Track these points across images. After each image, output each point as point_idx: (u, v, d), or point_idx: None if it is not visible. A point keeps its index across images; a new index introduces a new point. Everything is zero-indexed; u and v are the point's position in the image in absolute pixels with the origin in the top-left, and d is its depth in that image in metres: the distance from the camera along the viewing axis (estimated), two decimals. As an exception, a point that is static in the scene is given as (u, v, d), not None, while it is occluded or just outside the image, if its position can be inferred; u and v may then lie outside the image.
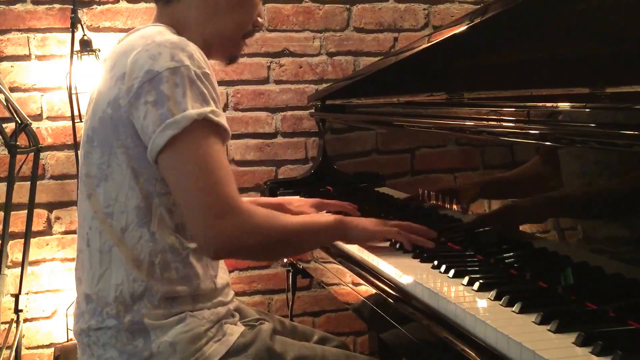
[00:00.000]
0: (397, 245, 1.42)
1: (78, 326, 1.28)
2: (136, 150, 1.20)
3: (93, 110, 1.27)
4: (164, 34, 1.24)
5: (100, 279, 1.24)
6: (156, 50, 1.18)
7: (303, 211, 1.67)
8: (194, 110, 1.15)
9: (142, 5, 2.39)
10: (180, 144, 1.15)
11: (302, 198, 1.71)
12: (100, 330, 1.24)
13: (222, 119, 1.20)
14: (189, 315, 1.24)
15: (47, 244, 2.37)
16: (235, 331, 1.30)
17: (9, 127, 2.21)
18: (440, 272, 1.23)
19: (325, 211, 1.70)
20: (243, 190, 2.51)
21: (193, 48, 1.21)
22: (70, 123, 2.28)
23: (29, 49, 2.32)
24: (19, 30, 2.30)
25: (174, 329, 1.22)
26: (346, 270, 1.42)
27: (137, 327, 1.22)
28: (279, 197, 1.74)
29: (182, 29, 1.31)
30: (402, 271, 1.24)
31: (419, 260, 1.31)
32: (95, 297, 1.24)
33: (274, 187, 2.26)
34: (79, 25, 2.24)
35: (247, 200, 1.67)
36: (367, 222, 1.42)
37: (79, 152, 1.30)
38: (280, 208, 1.64)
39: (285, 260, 2.09)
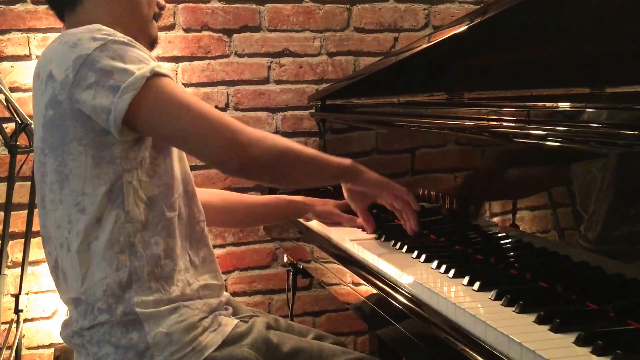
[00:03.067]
0: (397, 245, 1.42)
1: (69, 330, 1.28)
2: (90, 136, 1.21)
3: (35, 121, 1.29)
4: (75, 28, 1.26)
5: (84, 279, 1.24)
6: (74, 38, 1.21)
7: (328, 210, 1.68)
8: (142, 70, 1.18)
9: (142, 5, 2.38)
10: (149, 101, 1.18)
11: (325, 199, 1.71)
12: (93, 328, 1.23)
13: (167, 70, 1.24)
14: (182, 306, 1.25)
15: (47, 244, 2.37)
16: (230, 322, 1.32)
17: (9, 127, 2.21)
18: (440, 272, 1.23)
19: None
20: (243, 190, 2.51)
21: (108, 29, 1.23)
22: (70, 123, 2.27)
23: (29, 49, 2.32)
24: (19, 30, 2.30)
25: (168, 319, 1.23)
26: (346, 270, 1.42)
27: (130, 318, 1.22)
28: (302, 197, 1.74)
29: None
30: (402, 271, 1.24)
31: (419, 260, 1.31)
32: (84, 297, 1.24)
33: (274, 187, 2.25)
34: (79, 25, 2.24)
35: (268, 198, 1.75)
36: (375, 175, 1.48)
37: (34, 170, 1.31)
38: (304, 207, 1.68)
39: (285, 260, 2.09)
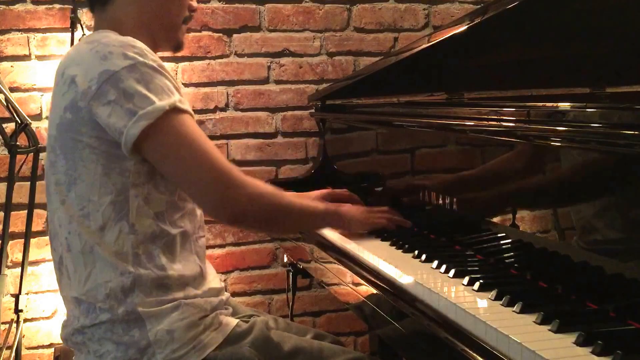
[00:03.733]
0: (397, 245, 1.42)
1: (70, 329, 1.28)
2: (103, 147, 1.21)
3: (51, 120, 1.30)
4: (108, 36, 1.26)
5: (87, 280, 1.24)
6: (106, 50, 1.20)
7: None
8: (162, 102, 1.18)
9: (142, 5, 2.38)
10: (160, 134, 1.18)
11: (314, 192, 1.71)
12: (95, 326, 1.24)
13: (188, 106, 1.25)
14: (183, 304, 1.25)
15: (47, 244, 2.35)
16: (230, 322, 1.32)
17: (9, 127, 2.21)
18: (440, 272, 1.23)
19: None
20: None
21: (141, 44, 1.24)
22: (70, 123, 2.28)
23: (29, 49, 2.32)
24: (19, 30, 2.30)
25: (170, 317, 1.23)
26: (346, 270, 1.42)
27: (132, 317, 1.23)
28: (293, 193, 1.75)
29: (124, 29, 1.33)
30: (403, 271, 1.24)
31: (419, 260, 1.31)
32: (85, 297, 1.25)
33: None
34: (78, 25, 2.24)
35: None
36: (357, 213, 1.51)
37: (44, 163, 1.32)
38: None
39: (285, 260, 2.08)
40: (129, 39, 1.24)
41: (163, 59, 1.41)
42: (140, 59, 1.20)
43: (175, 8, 1.39)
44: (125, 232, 1.23)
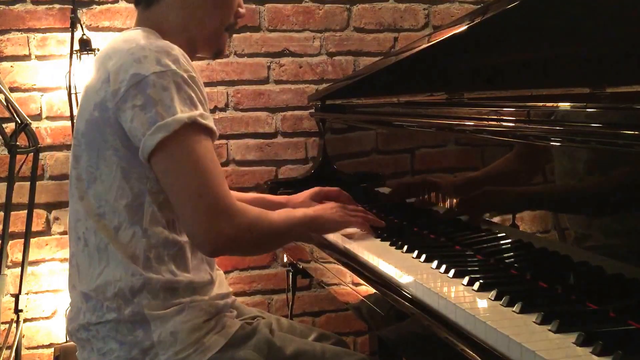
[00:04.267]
0: (397, 245, 1.42)
1: (76, 324, 1.28)
2: (125, 151, 1.21)
3: (80, 113, 1.29)
4: (148, 38, 1.25)
5: (99, 276, 1.25)
6: (141, 53, 1.19)
7: (305, 206, 1.64)
8: (183, 114, 1.17)
9: (142, 5, 2.38)
10: (172, 147, 1.17)
11: (302, 193, 1.71)
12: (100, 324, 1.25)
13: (210, 121, 1.22)
14: (188, 306, 1.26)
15: (47, 244, 2.37)
16: (234, 324, 1.32)
17: (9, 127, 2.21)
18: (440, 272, 1.22)
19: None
20: (243, 190, 2.51)
21: (178, 52, 1.22)
22: (69, 123, 2.28)
23: (29, 49, 2.32)
24: (19, 30, 2.30)
25: (174, 319, 1.24)
26: (346, 270, 1.42)
27: (138, 318, 1.23)
28: (282, 196, 1.75)
29: (165, 30, 1.32)
30: (402, 271, 1.24)
31: (419, 260, 1.31)
32: (94, 294, 1.25)
33: (274, 187, 2.26)
34: (78, 25, 2.24)
35: (254, 196, 1.72)
36: (331, 213, 1.47)
37: (70, 155, 1.31)
38: (285, 206, 1.64)
39: (285, 260, 2.08)
40: (167, 45, 1.22)
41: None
42: (173, 66, 1.19)
43: (221, 17, 1.38)
44: (139, 236, 1.24)
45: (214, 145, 1.25)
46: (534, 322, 0.95)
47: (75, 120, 1.31)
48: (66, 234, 2.35)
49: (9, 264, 2.30)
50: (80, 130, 1.27)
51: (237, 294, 2.48)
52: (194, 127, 1.18)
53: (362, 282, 1.33)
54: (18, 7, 2.30)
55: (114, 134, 1.21)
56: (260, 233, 1.26)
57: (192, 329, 1.25)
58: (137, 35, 1.26)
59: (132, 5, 2.35)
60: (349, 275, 1.40)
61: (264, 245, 1.37)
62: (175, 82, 1.18)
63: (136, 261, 1.24)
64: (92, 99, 1.24)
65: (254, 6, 2.48)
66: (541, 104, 1.27)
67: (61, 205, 2.36)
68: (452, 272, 1.19)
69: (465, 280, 1.14)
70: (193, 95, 1.20)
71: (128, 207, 1.23)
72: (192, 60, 1.39)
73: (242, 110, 2.51)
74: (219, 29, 1.39)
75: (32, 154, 2.21)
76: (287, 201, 1.68)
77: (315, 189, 1.72)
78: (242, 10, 1.41)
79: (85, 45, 2.22)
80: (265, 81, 2.52)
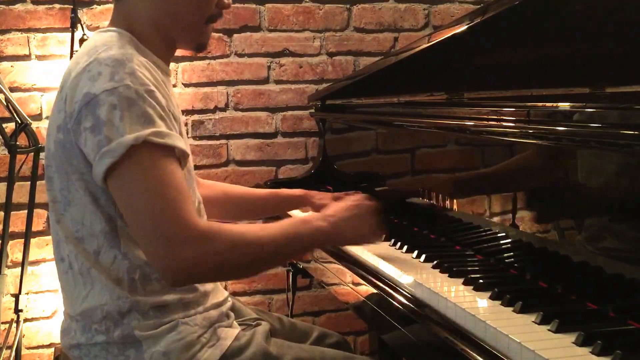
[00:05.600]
0: (397, 245, 1.42)
1: (67, 341, 1.26)
2: (90, 175, 1.14)
3: (48, 131, 1.22)
4: (110, 48, 1.16)
5: (84, 301, 1.20)
6: (97, 69, 1.12)
7: (326, 203, 1.53)
8: (131, 134, 1.08)
9: (142, 5, 2.38)
10: (121, 172, 1.09)
11: (324, 192, 1.66)
12: (90, 345, 1.21)
13: (171, 138, 1.12)
14: (180, 323, 1.21)
15: (47, 244, 2.37)
16: (229, 335, 1.27)
17: (9, 127, 2.21)
18: (440, 272, 1.23)
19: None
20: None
21: (137, 63, 1.14)
22: (70, 123, 2.28)
23: (29, 49, 2.32)
24: (19, 30, 2.30)
25: (166, 337, 1.19)
26: (346, 270, 1.42)
27: (128, 340, 1.19)
28: (300, 190, 1.69)
29: (137, 27, 1.25)
30: (402, 271, 1.24)
31: (419, 260, 1.31)
32: (80, 317, 1.21)
33: (274, 187, 2.25)
34: (79, 25, 2.24)
35: (268, 192, 1.68)
36: (348, 226, 1.29)
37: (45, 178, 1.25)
38: (302, 200, 1.63)
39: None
40: (127, 56, 1.14)
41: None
42: (126, 81, 1.10)
43: (195, 7, 1.27)
44: (119, 259, 1.18)
45: (182, 159, 1.16)
46: (534, 321, 0.95)
47: (46, 137, 1.24)
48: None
49: (9, 263, 2.30)
50: (51, 152, 1.20)
51: (237, 294, 2.48)
52: (145, 147, 1.09)
53: (362, 282, 1.33)
54: (18, 7, 2.30)
55: (77, 158, 1.15)
56: (235, 256, 1.14)
57: (186, 346, 1.19)
58: (101, 44, 1.18)
59: (132, 5, 2.36)
60: (349, 275, 1.40)
61: (244, 269, 1.22)
62: (127, 98, 1.09)
63: (121, 284, 1.18)
64: (55, 119, 1.18)
65: (254, 6, 2.48)
66: (541, 104, 1.27)
67: (61, 205, 2.36)
68: (452, 271, 1.19)
69: (465, 280, 1.14)
70: (149, 110, 1.11)
71: (103, 232, 1.17)
72: (172, 56, 1.32)
73: (242, 110, 2.51)
74: (198, 20, 1.28)
75: (32, 153, 2.21)
76: (307, 196, 1.63)
77: (340, 194, 1.61)
78: (226, 0, 1.30)
79: (86, 45, 2.22)
80: (265, 81, 2.52)
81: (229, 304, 1.35)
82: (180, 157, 1.15)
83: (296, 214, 1.77)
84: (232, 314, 1.34)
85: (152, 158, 1.10)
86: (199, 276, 1.16)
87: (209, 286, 1.30)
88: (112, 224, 1.18)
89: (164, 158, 1.11)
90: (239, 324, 1.34)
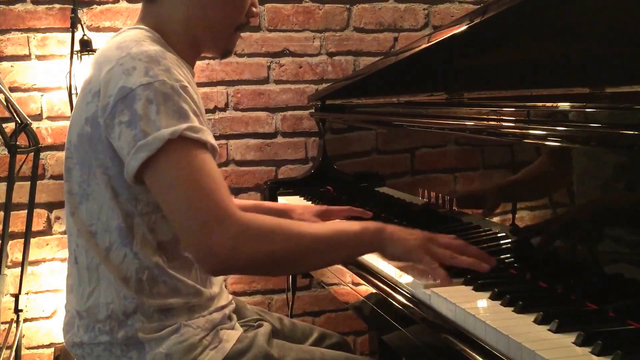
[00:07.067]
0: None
1: (70, 338, 1.26)
2: (115, 169, 1.16)
3: (73, 122, 1.22)
4: (141, 43, 1.18)
5: (89, 297, 1.21)
6: (130, 64, 1.13)
7: (305, 219, 1.56)
8: (168, 129, 1.09)
9: (142, 5, 2.39)
10: (158, 165, 1.10)
11: (306, 205, 1.67)
12: (93, 344, 1.21)
13: (204, 134, 1.13)
14: (183, 325, 1.21)
15: (47, 244, 2.37)
16: (231, 337, 1.27)
17: (9, 127, 2.21)
18: (440, 272, 1.22)
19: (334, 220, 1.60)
20: (243, 190, 2.52)
21: (170, 60, 1.16)
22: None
23: (29, 49, 2.32)
24: (19, 30, 2.30)
25: (169, 340, 1.19)
26: (346, 270, 1.42)
27: (131, 341, 1.19)
28: (282, 203, 1.69)
29: (167, 28, 1.26)
30: (402, 271, 1.24)
31: (419, 260, 1.31)
32: (85, 314, 1.22)
33: (274, 187, 2.26)
34: (79, 25, 2.24)
35: (250, 203, 1.64)
36: (408, 235, 1.20)
37: (64, 165, 1.26)
38: (283, 214, 1.58)
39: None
40: (160, 53, 1.16)
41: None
42: (161, 77, 1.11)
43: (228, 15, 1.29)
44: (130, 258, 1.19)
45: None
46: (534, 321, 0.95)
47: (68, 128, 1.24)
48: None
49: (9, 263, 2.30)
50: (73, 142, 1.21)
51: (237, 294, 2.48)
52: (181, 141, 1.10)
53: (362, 282, 1.33)
54: (18, 7, 2.30)
55: (104, 152, 1.16)
56: (275, 246, 1.12)
57: (188, 349, 1.20)
58: (131, 41, 1.19)
59: (133, 6, 2.36)
60: (349, 275, 1.40)
61: (283, 262, 1.17)
62: (163, 93, 1.11)
63: (128, 283, 1.19)
64: (83, 111, 1.18)
65: (254, 6, 2.48)
66: (541, 104, 1.27)
67: (62, 204, 2.35)
68: (451, 271, 1.19)
69: (465, 280, 1.14)
70: (184, 106, 1.12)
71: (119, 228, 1.18)
72: (196, 60, 1.35)
73: (242, 110, 2.51)
74: (228, 28, 1.31)
75: (32, 153, 2.21)
76: (288, 210, 1.60)
77: (322, 207, 1.64)
78: (255, 10, 1.33)
79: (86, 46, 2.22)
80: (265, 81, 2.52)
81: (232, 306, 1.35)
82: (211, 152, 1.16)
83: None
84: (234, 316, 1.34)
85: (188, 151, 1.11)
86: (237, 263, 1.12)
87: (215, 290, 1.30)
88: (128, 221, 1.19)
89: (199, 151, 1.12)
90: (241, 325, 1.34)
